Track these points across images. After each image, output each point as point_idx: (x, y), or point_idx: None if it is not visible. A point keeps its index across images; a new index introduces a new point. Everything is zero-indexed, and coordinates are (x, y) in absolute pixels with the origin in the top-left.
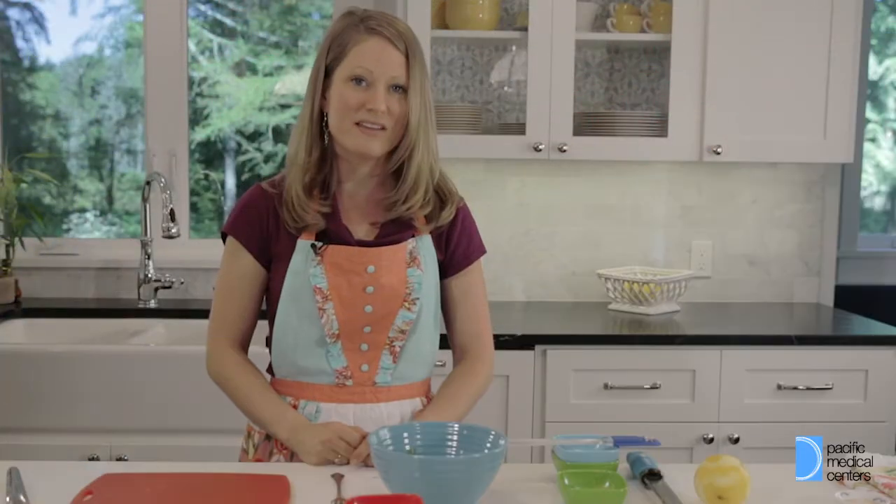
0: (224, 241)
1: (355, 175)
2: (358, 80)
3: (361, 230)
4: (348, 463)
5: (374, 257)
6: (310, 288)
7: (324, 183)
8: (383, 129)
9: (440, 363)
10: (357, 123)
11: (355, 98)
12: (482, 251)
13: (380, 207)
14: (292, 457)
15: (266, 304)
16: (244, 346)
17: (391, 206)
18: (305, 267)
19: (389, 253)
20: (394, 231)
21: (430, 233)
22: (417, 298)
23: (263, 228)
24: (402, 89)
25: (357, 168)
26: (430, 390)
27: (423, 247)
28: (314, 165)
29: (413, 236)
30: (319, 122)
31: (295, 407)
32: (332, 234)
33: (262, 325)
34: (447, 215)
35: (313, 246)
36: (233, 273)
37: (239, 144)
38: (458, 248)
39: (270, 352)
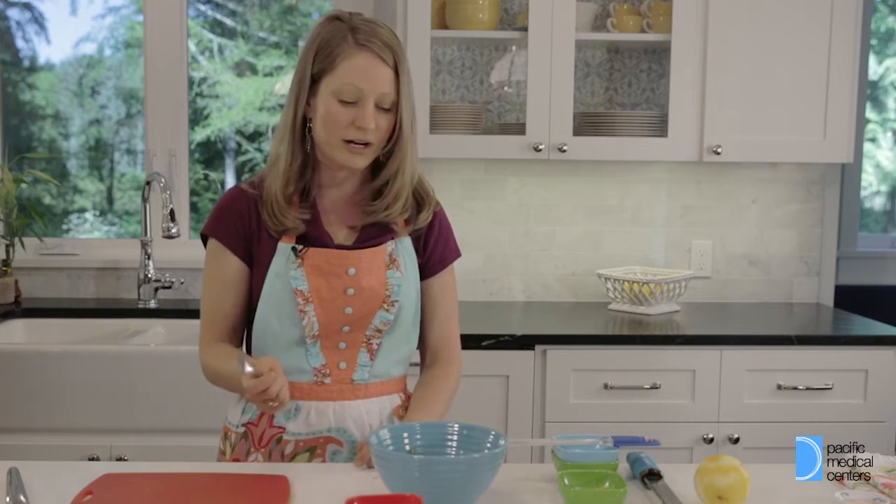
0: (204, 244)
1: (335, 181)
2: (347, 97)
3: (341, 234)
4: (276, 405)
5: (354, 260)
6: (290, 290)
7: (304, 189)
8: (368, 144)
9: (414, 363)
10: (345, 140)
11: (344, 115)
12: (457, 254)
13: (358, 210)
14: (270, 455)
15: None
16: (236, 344)
17: (371, 213)
18: (286, 269)
19: (369, 255)
20: (374, 234)
21: (409, 234)
22: (396, 300)
23: (245, 229)
24: (390, 104)
25: (337, 174)
26: (407, 387)
27: (403, 249)
28: (295, 174)
29: (392, 239)
30: (302, 127)
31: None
32: (312, 238)
33: None
34: (425, 218)
35: (294, 249)
36: (219, 276)
37: (239, 144)
38: (434, 252)
39: (248, 352)
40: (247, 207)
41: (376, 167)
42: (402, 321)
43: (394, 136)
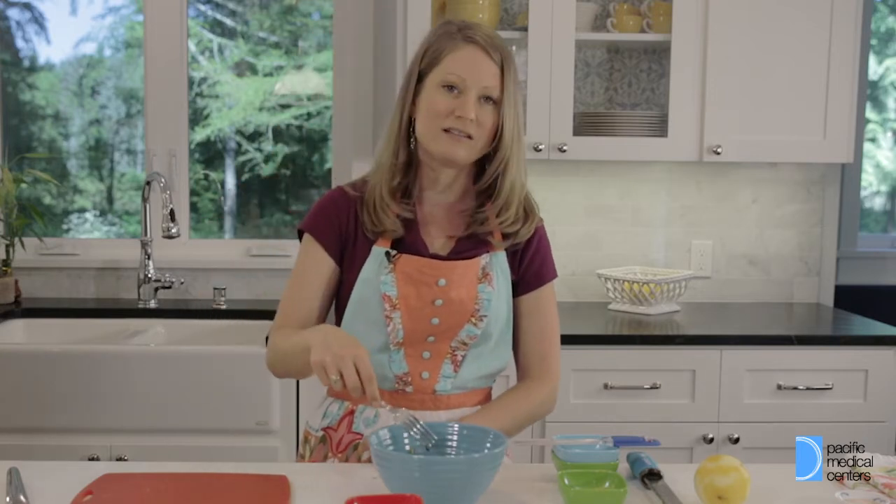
0: (300, 239)
1: (437, 184)
2: (450, 86)
3: (437, 243)
4: (343, 388)
5: (446, 271)
6: (379, 295)
7: (406, 189)
8: (470, 137)
9: (503, 375)
10: (445, 130)
11: (445, 104)
12: (554, 275)
13: (460, 220)
14: (347, 461)
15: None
16: None
17: (483, 220)
18: (377, 274)
19: (462, 268)
20: (469, 247)
21: (505, 249)
22: (485, 315)
23: (342, 228)
24: (492, 101)
25: (439, 177)
26: (490, 400)
27: (497, 263)
28: (401, 168)
29: (487, 252)
30: (408, 127)
31: (352, 412)
32: (408, 244)
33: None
34: (525, 232)
35: (387, 253)
36: (308, 270)
37: (239, 144)
38: (530, 269)
39: None
40: (346, 208)
41: (480, 176)
42: (489, 336)
43: (496, 138)
